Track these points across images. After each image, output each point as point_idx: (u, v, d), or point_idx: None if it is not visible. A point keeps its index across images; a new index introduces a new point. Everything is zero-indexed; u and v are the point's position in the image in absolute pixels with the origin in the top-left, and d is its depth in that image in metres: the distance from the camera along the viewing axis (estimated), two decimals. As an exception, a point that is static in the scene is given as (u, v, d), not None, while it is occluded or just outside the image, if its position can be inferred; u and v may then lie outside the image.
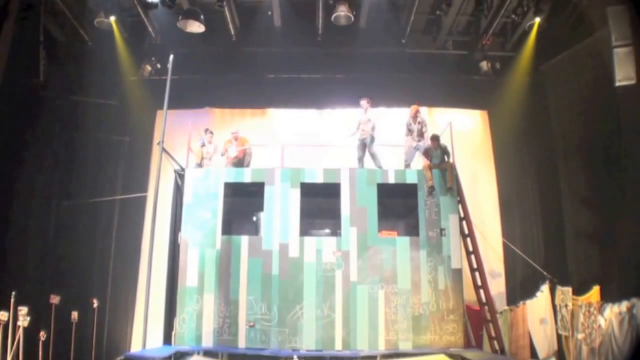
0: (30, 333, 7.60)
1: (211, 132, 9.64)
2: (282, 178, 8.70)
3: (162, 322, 8.44)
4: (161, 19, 10.26)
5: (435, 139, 9.06)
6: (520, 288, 10.29)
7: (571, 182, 9.62)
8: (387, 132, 9.90)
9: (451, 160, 8.91)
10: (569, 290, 8.83)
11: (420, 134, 9.29)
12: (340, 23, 9.90)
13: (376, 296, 8.18)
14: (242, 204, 9.07)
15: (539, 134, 10.69)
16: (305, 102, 11.31)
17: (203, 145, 9.39)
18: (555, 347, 9.12)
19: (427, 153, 9.06)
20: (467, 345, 8.21)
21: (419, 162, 9.34)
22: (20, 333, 7.28)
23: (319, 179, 8.76)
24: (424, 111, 10.72)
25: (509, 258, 10.66)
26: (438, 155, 8.92)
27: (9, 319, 7.14)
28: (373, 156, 9.04)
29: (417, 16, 10.09)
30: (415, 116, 9.36)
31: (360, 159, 9.20)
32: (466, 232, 8.69)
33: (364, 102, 9.33)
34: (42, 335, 7.97)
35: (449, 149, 9.01)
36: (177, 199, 8.92)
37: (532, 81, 10.76)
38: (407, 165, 9.31)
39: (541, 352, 9.17)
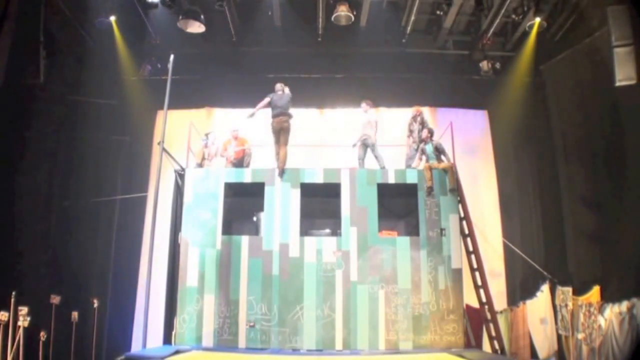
0: (31, 333, 7.59)
1: (212, 133, 9.65)
2: (282, 178, 8.69)
3: (162, 322, 8.44)
4: (161, 19, 10.27)
5: (428, 131, 9.06)
6: (520, 288, 10.31)
7: (571, 182, 9.64)
8: (387, 132, 9.91)
9: (450, 159, 8.90)
10: (569, 290, 8.84)
11: (421, 136, 9.27)
12: (340, 23, 9.90)
13: (376, 296, 8.18)
14: (243, 204, 9.06)
15: (539, 133, 10.70)
16: (305, 102, 11.29)
17: (206, 145, 9.40)
18: (556, 347, 9.14)
19: (422, 150, 9.07)
20: (467, 345, 8.21)
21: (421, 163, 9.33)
22: (20, 333, 7.27)
23: (319, 179, 8.75)
24: (425, 111, 10.71)
25: (509, 258, 10.67)
26: (431, 152, 8.88)
27: (9, 319, 7.13)
28: (377, 158, 9.04)
29: (417, 16, 10.11)
30: (415, 118, 9.36)
31: (361, 159, 9.19)
32: (466, 232, 8.68)
33: (364, 105, 9.33)
34: (43, 335, 7.95)
35: (444, 147, 8.97)
36: (178, 199, 8.92)
37: (532, 81, 10.77)
38: (409, 166, 9.31)
39: (541, 352, 9.19)
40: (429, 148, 8.91)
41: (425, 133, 9.06)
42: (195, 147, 9.46)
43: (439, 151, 8.88)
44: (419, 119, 9.35)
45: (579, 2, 9.37)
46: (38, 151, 9.26)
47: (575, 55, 9.51)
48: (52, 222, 9.54)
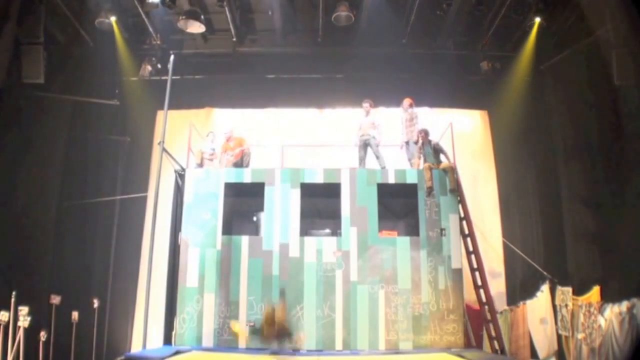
0: (31, 333, 7.60)
1: (213, 134, 9.67)
2: (282, 178, 8.70)
3: (162, 322, 8.44)
4: (161, 19, 10.27)
5: (423, 132, 9.04)
6: (520, 288, 10.29)
7: (571, 182, 9.62)
8: (387, 133, 9.91)
9: (451, 160, 8.91)
10: (569, 290, 8.83)
11: (410, 128, 9.27)
12: (340, 23, 9.89)
13: (376, 296, 8.18)
14: (243, 204, 9.07)
15: (539, 134, 10.68)
16: (305, 102, 11.31)
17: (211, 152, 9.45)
18: (556, 347, 9.13)
19: (420, 150, 9.06)
20: (467, 345, 8.21)
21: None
22: (20, 333, 7.29)
23: (319, 179, 8.76)
24: (425, 111, 10.72)
25: (509, 258, 10.66)
26: (430, 153, 8.87)
27: (9, 319, 7.15)
28: (378, 158, 9.05)
29: (417, 16, 10.07)
30: (406, 109, 9.39)
31: (362, 160, 9.19)
32: (466, 232, 8.69)
33: (366, 105, 9.34)
34: (43, 335, 7.97)
35: (443, 146, 8.97)
36: (178, 199, 8.93)
37: (532, 81, 10.75)
38: (411, 162, 9.29)
39: (541, 352, 9.18)
40: (427, 148, 8.91)
41: (424, 138, 9.04)
42: (196, 147, 9.47)
43: (437, 151, 8.87)
44: (409, 110, 9.40)
45: (579, 2, 9.36)
46: (38, 151, 9.27)
47: (576, 55, 9.50)
48: (52, 222, 9.54)
